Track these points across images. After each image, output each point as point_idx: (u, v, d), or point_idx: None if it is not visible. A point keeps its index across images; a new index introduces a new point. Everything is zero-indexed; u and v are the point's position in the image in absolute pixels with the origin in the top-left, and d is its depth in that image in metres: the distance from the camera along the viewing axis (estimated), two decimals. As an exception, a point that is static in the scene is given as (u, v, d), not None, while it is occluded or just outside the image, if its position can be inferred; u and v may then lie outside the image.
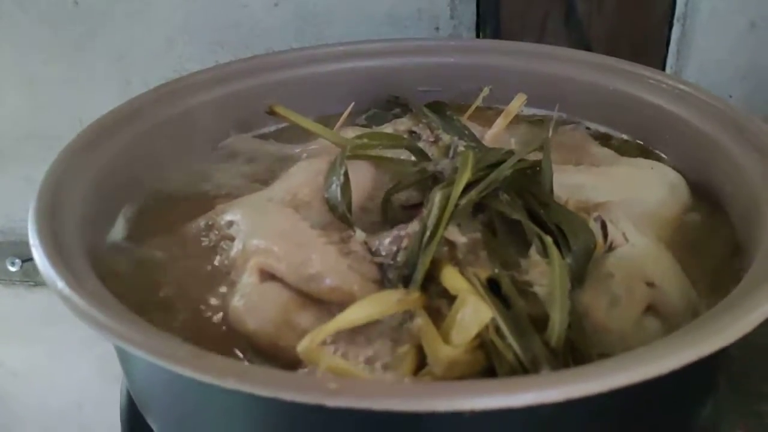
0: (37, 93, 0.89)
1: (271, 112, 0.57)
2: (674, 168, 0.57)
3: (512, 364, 0.37)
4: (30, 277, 1.03)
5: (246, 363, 0.36)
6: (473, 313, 0.37)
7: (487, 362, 0.38)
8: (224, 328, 0.44)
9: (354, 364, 0.36)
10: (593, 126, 0.67)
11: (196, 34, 0.86)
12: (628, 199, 0.52)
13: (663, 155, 0.62)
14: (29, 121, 0.92)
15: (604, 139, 0.65)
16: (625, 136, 0.66)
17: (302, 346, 0.36)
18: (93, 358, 1.03)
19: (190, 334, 0.43)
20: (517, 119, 0.65)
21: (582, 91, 0.66)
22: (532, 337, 0.38)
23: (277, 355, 0.41)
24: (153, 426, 0.46)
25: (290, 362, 0.40)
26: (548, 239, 0.43)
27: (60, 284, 0.39)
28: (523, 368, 0.37)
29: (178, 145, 0.61)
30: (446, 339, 0.37)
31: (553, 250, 0.42)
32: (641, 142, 0.64)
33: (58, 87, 0.89)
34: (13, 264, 1.03)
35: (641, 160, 0.59)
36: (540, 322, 0.39)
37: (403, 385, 0.34)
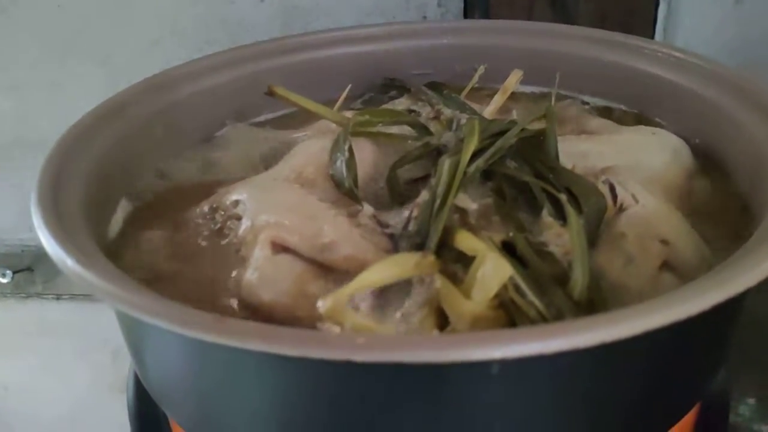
0: (23, 98, 0.89)
1: (270, 93, 0.56)
2: (675, 134, 0.57)
3: (534, 320, 0.37)
4: (21, 289, 1.02)
5: (268, 325, 0.35)
6: (493, 270, 0.36)
7: (508, 321, 0.37)
8: (237, 305, 0.43)
9: (377, 322, 0.35)
10: (590, 100, 0.67)
11: (183, 33, 0.86)
12: (632, 163, 0.52)
13: (662, 123, 0.62)
14: (15, 126, 0.91)
15: (602, 112, 0.65)
16: (623, 107, 0.66)
17: (325, 306, 0.35)
18: (86, 369, 1.02)
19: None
20: (514, 97, 0.65)
21: (577, 65, 0.66)
22: (555, 292, 0.37)
23: (295, 326, 0.41)
24: (169, 412, 0.45)
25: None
26: (563, 196, 0.43)
27: (70, 262, 0.38)
28: (546, 324, 0.37)
29: (173, 135, 0.60)
30: (467, 297, 0.36)
31: (569, 207, 0.42)
32: (639, 113, 0.64)
33: (44, 91, 0.88)
34: (4, 275, 1.01)
35: (642, 127, 0.59)
36: (559, 281, 0.39)
37: (433, 336, 0.34)
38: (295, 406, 0.35)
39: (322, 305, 0.35)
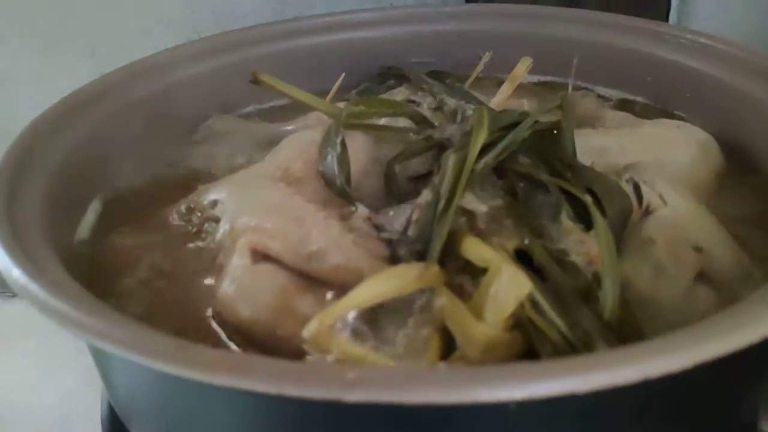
0: (7, 90, 0.84)
1: (255, 81, 0.51)
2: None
3: (557, 343, 0.32)
4: (7, 288, 0.98)
5: (240, 353, 0.30)
6: (510, 285, 0.31)
7: (525, 344, 0.32)
8: (214, 320, 0.38)
9: (371, 349, 0.30)
10: (605, 91, 0.62)
11: (173, 22, 0.82)
12: (656, 160, 0.47)
13: (684, 116, 0.57)
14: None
15: (618, 105, 0.60)
16: (640, 99, 0.61)
17: (309, 330, 0.30)
18: (78, 369, 0.99)
19: (174, 330, 0.37)
20: (523, 87, 0.59)
21: (592, 52, 0.61)
22: (580, 311, 0.32)
23: (277, 348, 0.35)
24: (138, 437, 0.40)
25: (292, 355, 0.34)
26: (587, 198, 0.37)
27: (16, 272, 0.33)
28: (571, 347, 0.31)
29: (154, 127, 0.56)
30: (478, 317, 0.31)
31: (595, 210, 0.36)
32: (659, 105, 0.59)
33: (28, 83, 0.83)
34: (-12, 275, 0.96)
35: (664, 120, 0.54)
36: (583, 296, 0.33)
37: (438, 371, 0.28)
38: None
39: (306, 329, 0.30)
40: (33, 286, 0.32)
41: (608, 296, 0.32)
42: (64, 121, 0.50)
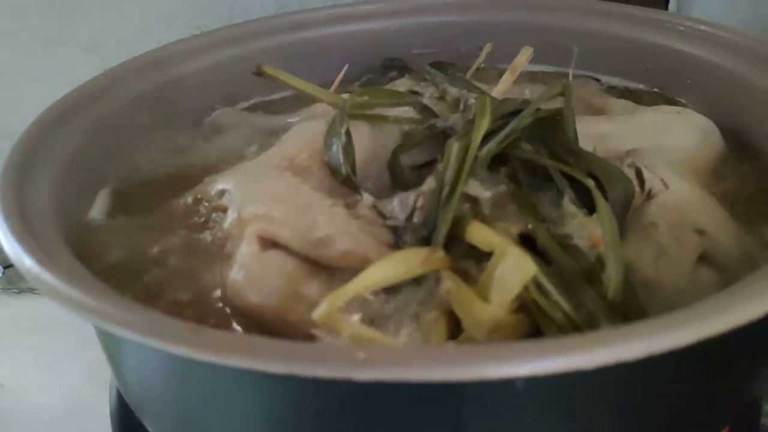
0: (8, 88, 0.84)
1: (259, 73, 0.51)
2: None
3: (561, 324, 0.32)
4: (13, 284, 0.99)
5: (252, 336, 0.30)
6: (515, 267, 0.31)
7: (531, 326, 0.33)
8: (223, 307, 0.39)
9: (381, 330, 0.30)
10: (605, 79, 0.62)
11: (174, 17, 0.82)
12: (658, 145, 0.47)
13: (685, 102, 0.58)
14: (1, 117, 0.87)
15: (619, 92, 0.61)
16: (641, 86, 0.61)
17: (319, 312, 0.30)
18: (82, 365, 0.99)
19: (184, 318, 0.37)
20: (523, 76, 0.60)
21: (592, 41, 0.61)
22: (585, 292, 0.33)
23: (287, 333, 0.36)
24: (149, 427, 0.41)
25: (301, 337, 0.35)
26: (590, 182, 0.38)
27: (28, 262, 0.33)
28: (576, 328, 0.32)
29: (159, 120, 0.56)
30: (484, 300, 0.32)
31: (597, 193, 0.37)
32: (659, 92, 0.60)
33: (30, 81, 0.83)
34: (-6, 271, 0.97)
35: (665, 107, 0.54)
36: (587, 278, 0.34)
37: (446, 350, 0.29)
38: (285, 429, 0.30)
39: (316, 311, 0.30)
40: (46, 275, 0.32)
41: (612, 277, 0.33)
42: (72, 114, 0.51)
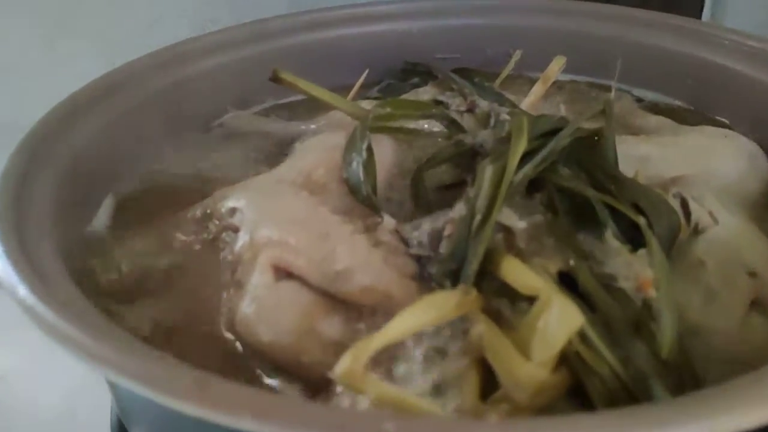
0: (14, 82, 0.82)
1: (275, 79, 0.48)
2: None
3: (607, 381, 0.29)
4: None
5: (266, 392, 0.27)
6: (561, 318, 0.28)
7: (572, 380, 0.29)
8: (232, 340, 0.36)
9: (412, 391, 0.27)
10: (638, 93, 0.59)
11: (185, 11, 0.79)
12: (704, 172, 0.44)
13: (725, 121, 0.54)
14: (6, 111, 0.85)
15: (653, 109, 0.57)
16: (678, 103, 0.57)
17: (341, 369, 0.27)
18: (85, 361, 0.97)
19: (189, 351, 0.34)
20: (555, 88, 0.56)
21: (627, 52, 0.58)
22: (633, 345, 0.29)
23: (301, 374, 0.33)
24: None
25: (316, 381, 0.32)
26: (642, 220, 0.34)
27: (22, 291, 0.30)
28: (623, 386, 0.29)
29: (167, 123, 0.54)
30: (524, 353, 0.28)
31: (649, 233, 0.34)
32: (698, 109, 0.56)
33: (37, 75, 0.81)
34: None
35: (708, 128, 0.51)
36: (635, 327, 0.31)
37: (490, 425, 0.25)
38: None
39: (337, 368, 0.27)
40: (40, 308, 0.29)
41: (667, 333, 0.30)
42: (75, 117, 0.48)
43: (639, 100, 0.59)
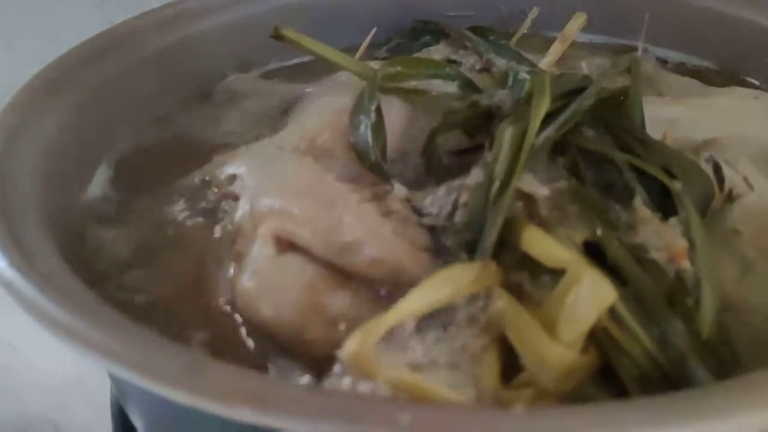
0: (12, 45, 0.81)
1: (277, 37, 0.45)
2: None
3: (640, 362, 0.26)
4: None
5: (265, 376, 0.25)
6: (591, 294, 0.25)
7: (601, 359, 0.27)
8: (232, 314, 0.33)
9: (426, 375, 0.24)
10: (661, 53, 0.56)
11: None
12: (736, 136, 0.41)
13: (756, 83, 0.51)
14: (4, 76, 0.83)
15: (679, 70, 0.54)
16: (706, 64, 0.54)
17: (348, 351, 0.24)
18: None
19: (186, 327, 0.32)
20: (574, 47, 0.53)
21: (652, 8, 0.54)
22: (670, 322, 0.27)
23: (304, 351, 0.30)
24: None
25: (320, 358, 0.29)
26: (676, 185, 0.32)
27: (1, 264, 0.28)
28: (658, 367, 0.26)
29: (165, 86, 0.51)
30: (550, 332, 0.26)
31: (684, 198, 0.31)
32: (727, 70, 0.53)
33: (35, 38, 0.78)
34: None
35: (739, 89, 0.48)
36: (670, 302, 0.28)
37: (516, 416, 0.23)
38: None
39: (344, 350, 0.25)
40: (21, 283, 0.27)
41: (707, 307, 0.27)
42: (67, 79, 0.45)
43: (663, 61, 0.56)
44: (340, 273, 0.32)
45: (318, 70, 0.52)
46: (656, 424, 0.20)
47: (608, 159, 0.36)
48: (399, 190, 0.37)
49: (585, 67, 0.49)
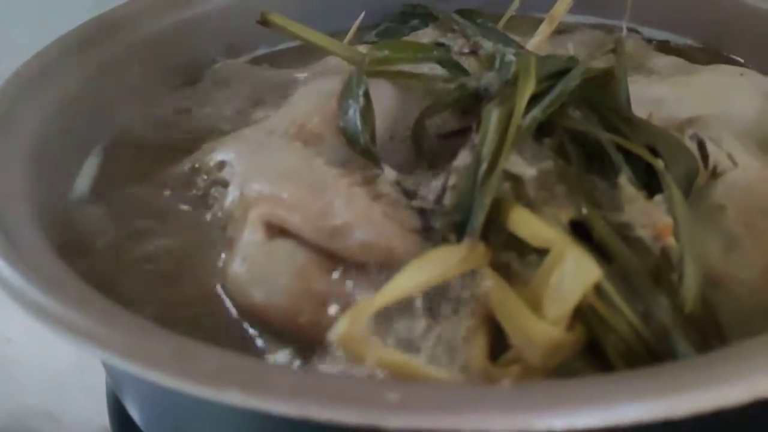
0: (3, 32, 0.79)
1: (264, 22, 0.45)
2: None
3: (626, 337, 0.27)
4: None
5: (255, 361, 0.25)
6: (576, 272, 0.26)
7: (587, 336, 0.27)
8: (223, 300, 0.34)
9: (415, 355, 0.25)
10: (646, 32, 0.56)
11: None
12: (721, 113, 0.41)
13: (742, 61, 0.51)
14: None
15: (663, 48, 0.54)
16: (690, 42, 0.55)
17: (337, 333, 0.25)
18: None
19: (177, 314, 0.32)
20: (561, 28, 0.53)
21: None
22: (654, 299, 0.27)
23: (296, 335, 0.31)
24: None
25: (311, 342, 0.30)
26: (659, 163, 0.32)
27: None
28: (643, 342, 0.27)
29: (155, 72, 0.51)
30: (536, 310, 0.26)
31: (667, 176, 0.31)
32: (711, 47, 0.53)
33: (27, 25, 0.78)
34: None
35: (724, 66, 0.48)
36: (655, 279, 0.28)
37: (503, 391, 0.23)
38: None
39: (333, 331, 0.25)
40: (8, 272, 0.27)
41: (690, 282, 0.27)
42: (53, 68, 0.46)
43: (648, 40, 0.56)
44: (331, 257, 0.32)
45: (307, 55, 0.52)
46: (639, 397, 0.20)
47: (594, 139, 0.36)
48: (389, 173, 0.37)
49: (571, 49, 0.49)
